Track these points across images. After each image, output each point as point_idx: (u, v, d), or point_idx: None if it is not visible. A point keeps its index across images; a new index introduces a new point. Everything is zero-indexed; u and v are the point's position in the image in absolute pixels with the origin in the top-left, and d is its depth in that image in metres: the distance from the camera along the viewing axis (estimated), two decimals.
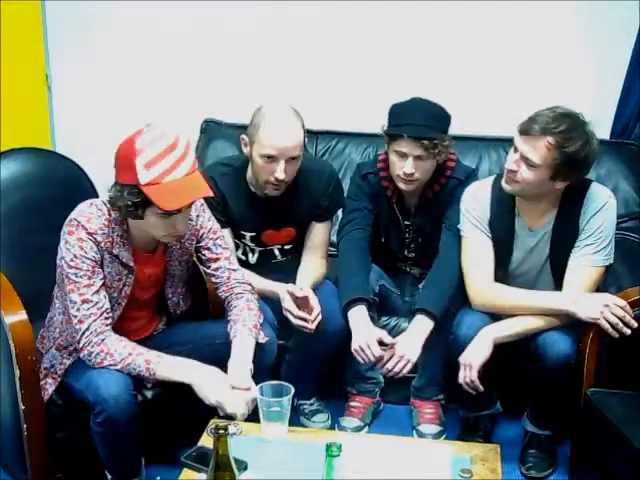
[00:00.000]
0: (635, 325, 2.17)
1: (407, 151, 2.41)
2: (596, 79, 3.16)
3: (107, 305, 2.05)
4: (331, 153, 3.25)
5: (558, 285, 2.33)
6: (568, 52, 3.16)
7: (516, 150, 2.22)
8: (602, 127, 2.90)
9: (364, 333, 2.37)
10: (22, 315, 2.05)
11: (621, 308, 2.17)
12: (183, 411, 2.19)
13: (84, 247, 2.00)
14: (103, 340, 2.02)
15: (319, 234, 2.60)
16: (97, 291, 2.02)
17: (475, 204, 2.40)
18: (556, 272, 2.35)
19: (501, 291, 2.34)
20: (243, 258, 2.62)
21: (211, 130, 3.35)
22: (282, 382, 2.05)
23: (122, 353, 2.01)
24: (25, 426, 2.05)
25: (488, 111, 3.16)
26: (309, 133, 3.15)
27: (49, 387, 2.12)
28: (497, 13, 3.16)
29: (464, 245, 2.42)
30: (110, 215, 2.05)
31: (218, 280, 2.27)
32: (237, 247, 2.60)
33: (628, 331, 2.16)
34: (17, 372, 2.01)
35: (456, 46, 3.21)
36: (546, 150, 2.15)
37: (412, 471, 1.85)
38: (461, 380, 2.26)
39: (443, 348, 2.43)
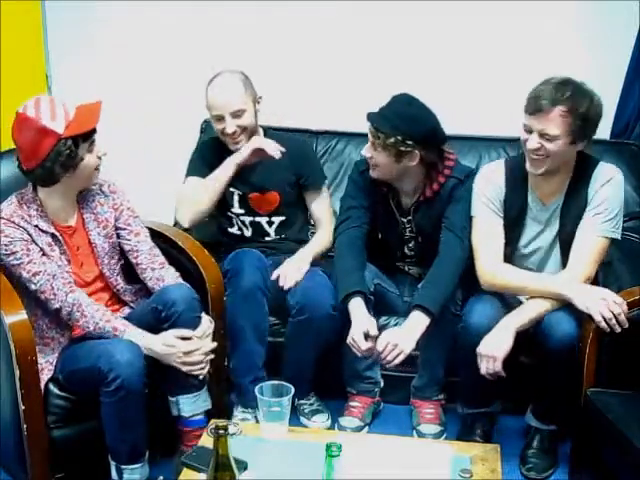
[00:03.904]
0: (626, 325, 2.17)
1: (369, 135, 2.48)
2: (596, 79, 3.14)
3: (56, 267, 2.17)
4: (331, 153, 3.24)
5: (566, 266, 2.36)
6: (568, 52, 3.15)
7: (530, 131, 2.25)
8: (602, 127, 2.88)
9: (356, 326, 2.40)
10: (22, 315, 2.06)
11: (618, 305, 2.18)
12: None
13: (8, 234, 2.13)
14: (78, 302, 2.17)
15: (314, 205, 2.79)
16: (42, 262, 2.15)
17: (489, 185, 2.43)
18: (565, 251, 2.37)
19: (507, 272, 2.37)
20: (238, 233, 2.77)
21: (211, 130, 3.33)
22: (282, 382, 2.06)
23: (95, 317, 2.17)
24: (25, 426, 2.05)
25: (488, 111, 3.15)
26: (309, 133, 3.19)
27: (45, 376, 2.15)
28: (497, 13, 3.15)
29: (474, 224, 2.45)
30: (22, 197, 2.19)
31: (140, 251, 2.36)
32: (231, 224, 2.74)
33: (618, 329, 2.17)
34: (17, 372, 2.01)
35: (456, 46, 3.21)
36: (562, 119, 2.20)
37: (412, 471, 1.85)
38: (483, 371, 2.26)
39: (444, 348, 2.43)
